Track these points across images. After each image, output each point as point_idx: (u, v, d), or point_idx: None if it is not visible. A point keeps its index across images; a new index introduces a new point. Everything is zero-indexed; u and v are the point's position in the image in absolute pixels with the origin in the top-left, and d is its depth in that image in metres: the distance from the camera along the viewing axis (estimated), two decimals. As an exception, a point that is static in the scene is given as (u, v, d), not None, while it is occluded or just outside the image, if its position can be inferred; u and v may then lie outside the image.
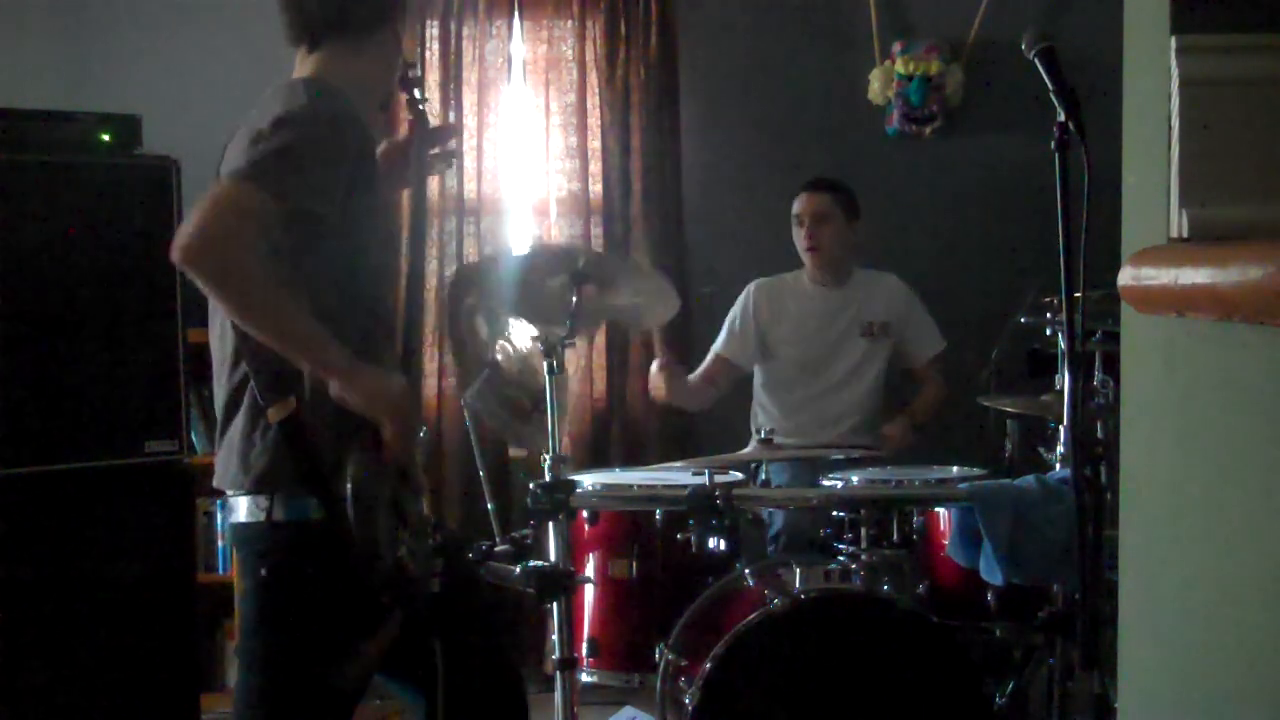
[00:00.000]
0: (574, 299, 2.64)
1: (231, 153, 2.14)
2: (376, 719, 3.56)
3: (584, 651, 3.00)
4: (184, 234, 1.95)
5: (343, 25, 2.21)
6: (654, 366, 3.74)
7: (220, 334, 2.18)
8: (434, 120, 2.56)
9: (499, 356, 2.59)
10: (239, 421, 2.14)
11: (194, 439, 3.47)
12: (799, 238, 3.93)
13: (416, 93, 2.42)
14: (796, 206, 3.93)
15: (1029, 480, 2.86)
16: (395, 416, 2.09)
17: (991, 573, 2.81)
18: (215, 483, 2.21)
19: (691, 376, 3.93)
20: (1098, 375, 3.13)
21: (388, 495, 2.09)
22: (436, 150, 2.47)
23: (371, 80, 2.28)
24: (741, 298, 4.00)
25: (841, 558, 3.01)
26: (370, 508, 2.03)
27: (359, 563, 2.02)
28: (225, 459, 2.16)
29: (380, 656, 2.10)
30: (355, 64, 2.24)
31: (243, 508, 2.14)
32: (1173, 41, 1.45)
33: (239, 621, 2.20)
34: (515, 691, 2.42)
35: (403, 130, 2.53)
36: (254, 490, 2.12)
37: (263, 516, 2.11)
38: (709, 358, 3.97)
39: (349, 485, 2.02)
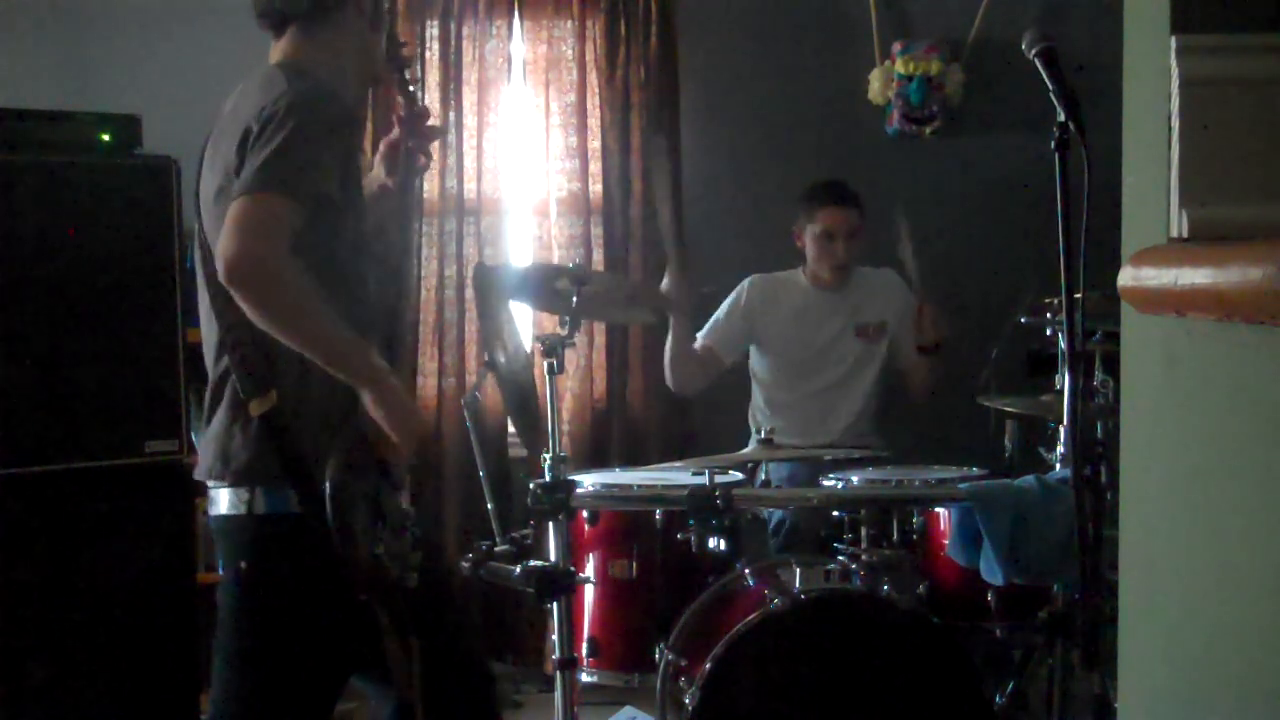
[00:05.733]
0: (574, 300, 2.64)
1: (221, 154, 2.13)
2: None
3: (584, 651, 3.00)
4: (225, 256, 1.95)
5: (298, 8, 2.22)
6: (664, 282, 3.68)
7: (207, 326, 2.18)
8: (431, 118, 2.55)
9: (500, 356, 2.59)
10: (221, 413, 2.14)
11: (194, 439, 3.46)
12: (826, 251, 3.87)
13: (406, 74, 2.43)
14: (826, 221, 3.86)
15: (1029, 480, 2.86)
16: (409, 437, 2.10)
17: (991, 573, 2.81)
18: (196, 474, 2.21)
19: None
20: (1098, 375, 3.13)
21: (368, 491, 2.09)
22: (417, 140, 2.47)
23: (340, 60, 2.26)
24: (736, 290, 3.99)
25: (841, 558, 3.01)
26: (349, 503, 2.03)
27: (337, 558, 2.02)
28: (206, 450, 2.16)
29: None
30: (320, 45, 2.24)
31: (224, 500, 2.14)
32: (1173, 41, 1.45)
33: (219, 613, 2.19)
34: (486, 691, 2.42)
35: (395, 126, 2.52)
36: (234, 483, 2.12)
37: (244, 509, 2.11)
38: (697, 344, 3.95)
39: (328, 481, 2.02)
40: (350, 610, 2.09)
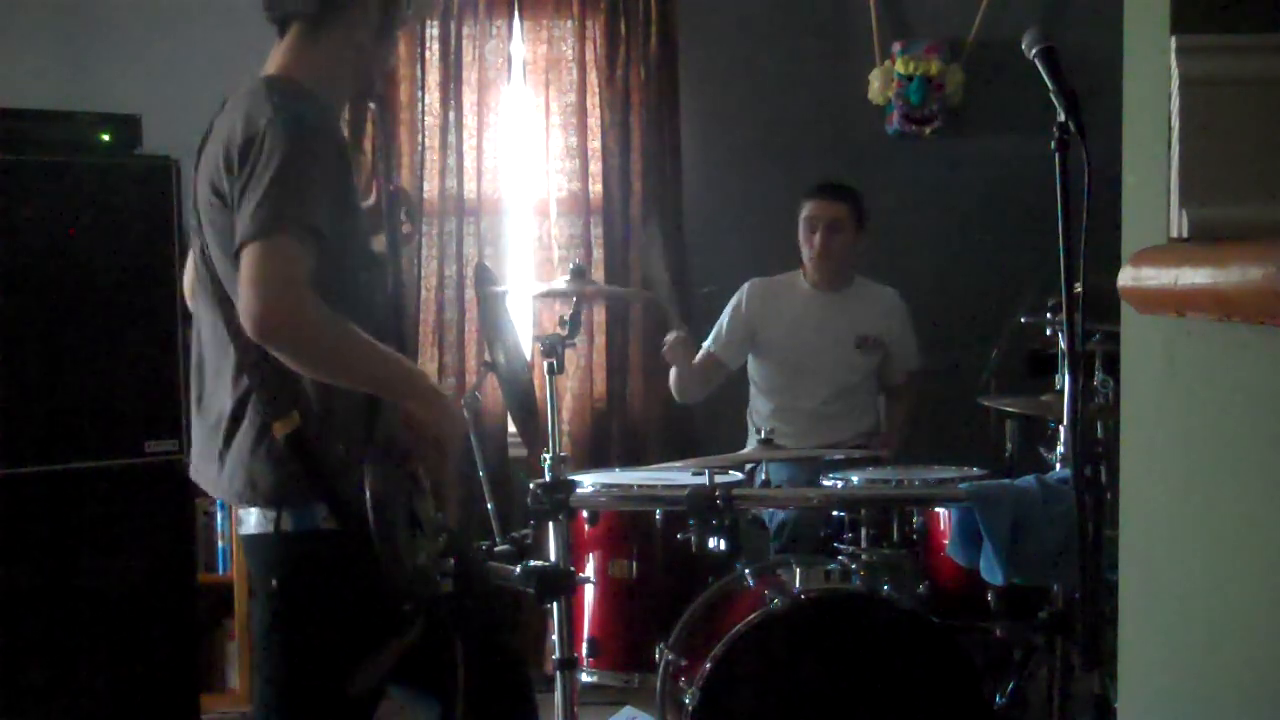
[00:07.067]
0: (574, 300, 2.64)
1: (208, 172, 2.10)
2: None
3: (584, 651, 3.00)
4: (253, 314, 1.92)
5: (303, 7, 2.18)
6: (669, 335, 3.72)
7: (215, 344, 2.16)
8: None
9: (500, 357, 2.59)
10: (244, 435, 2.11)
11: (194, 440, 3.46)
12: (808, 242, 3.90)
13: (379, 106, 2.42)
14: (809, 211, 3.89)
15: (1029, 480, 2.86)
16: (455, 440, 2.11)
17: (991, 573, 2.81)
18: (221, 496, 2.19)
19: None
20: (1098, 375, 3.13)
21: (404, 501, 2.09)
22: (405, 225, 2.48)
23: (336, 70, 2.21)
24: (735, 295, 3.99)
25: (841, 558, 3.01)
26: (391, 516, 2.03)
27: (383, 571, 2.02)
28: (230, 473, 2.13)
29: (395, 662, 2.11)
30: (319, 50, 2.19)
31: (252, 519, 2.13)
32: (1173, 41, 1.45)
33: (253, 630, 2.20)
34: (526, 688, 2.42)
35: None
36: (263, 505, 2.11)
37: (271, 528, 2.10)
38: (700, 353, 3.95)
39: (369, 494, 2.01)
40: (385, 622, 2.09)
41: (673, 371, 3.88)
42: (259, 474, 2.09)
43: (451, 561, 2.14)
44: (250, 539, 2.16)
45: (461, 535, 2.39)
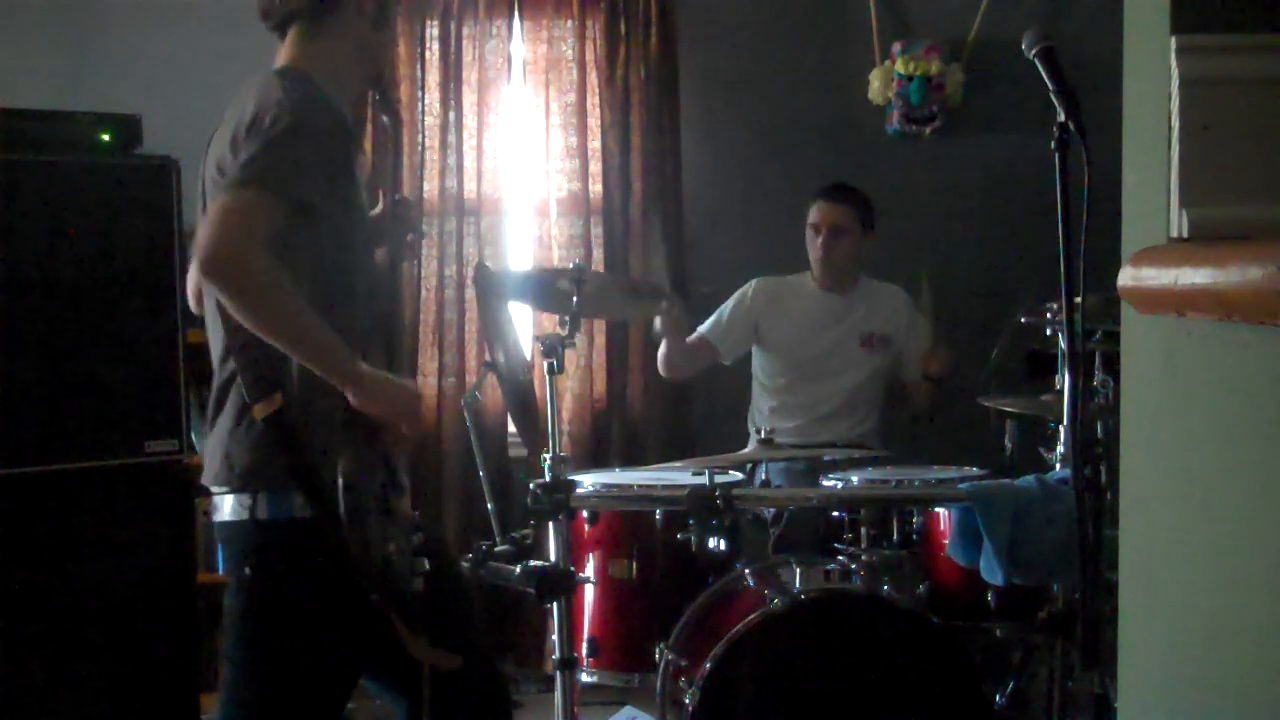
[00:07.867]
0: (574, 300, 2.64)
1: (215, 153, 2.15)
2: None
3: (584, 651, 3.00)
4: (202, 248, 1.97)
5: (298, 8, 2.23)
6: (662, 303, 3.62)
7: (212, 330, 2.19)
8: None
9: (500, 357, 2.59)
10: (225, 418, 2.14)
11: (194, 439, 3.47)
12: (813, 245, 3.90)
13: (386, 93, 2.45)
14: (814, 215, 3.90)
15: (1029, 480, 2.86)
16: (409, 422, 2.11)
17: (991, 573, 2.81)
18: (202, 479, 2.20)
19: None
20: (1098, 375, 3.13)
21: (377, 491, 2.09)
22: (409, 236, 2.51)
23: (339, 63, 2.27)
24: (741, 290, 3.99)
25: (841, 558, 3.01)
26: (361, 503, 2.04)
27: (349, 558, 2.02)
28: (211, 455, 2.17)
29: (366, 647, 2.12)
30: (321, 46, 2.25)
31: (227, 506, 2.14)
32: (1173, 41, 1.45)
33: (225, 618, 2.20)
34: (500, 693, 2.42)
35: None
36: (238, 488, 2.12)
37: (246, 515, 2.11)
38: (694, 335, 3.95)
39: (341, 478, 2.02)
40: (358, 612, 2.10)
41: (662, 344, 3.88)
42: (236, 455, 2.10)
43: (425, 561, 2.14)
44: (225, 525, 2.17)
45: (439, 538, 2.39)
